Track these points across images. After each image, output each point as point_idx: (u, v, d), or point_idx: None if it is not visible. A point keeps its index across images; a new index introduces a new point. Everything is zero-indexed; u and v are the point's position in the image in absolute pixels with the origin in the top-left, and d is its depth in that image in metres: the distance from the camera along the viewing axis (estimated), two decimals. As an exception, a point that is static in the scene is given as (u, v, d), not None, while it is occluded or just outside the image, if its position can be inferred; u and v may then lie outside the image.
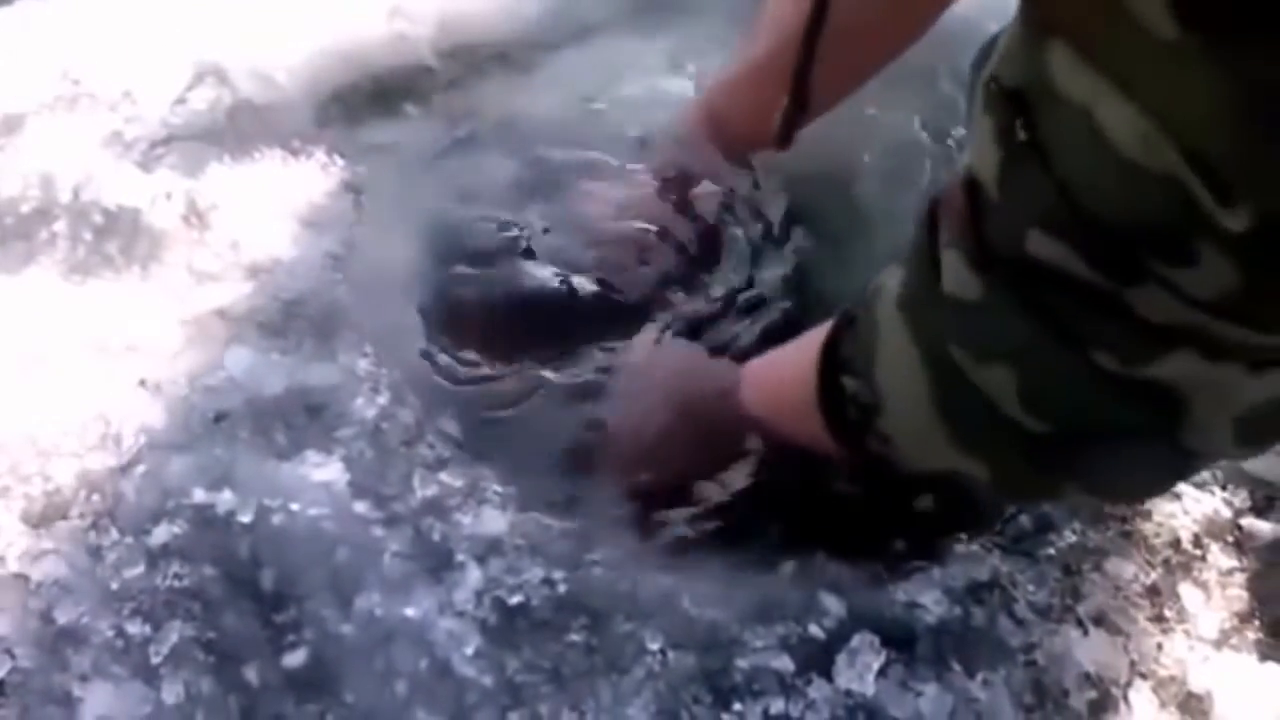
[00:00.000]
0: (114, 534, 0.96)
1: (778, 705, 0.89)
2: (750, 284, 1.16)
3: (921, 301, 0.78)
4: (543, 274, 1.16)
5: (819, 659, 0.91)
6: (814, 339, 0.93)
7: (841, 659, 0.91)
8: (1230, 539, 1.02)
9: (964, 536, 1.00)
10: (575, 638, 0.92)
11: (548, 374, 1.09)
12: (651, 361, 1.10)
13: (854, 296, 0.92)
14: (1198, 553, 1.01)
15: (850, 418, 0.88)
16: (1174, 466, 0.81)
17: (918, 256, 0.78)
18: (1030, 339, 0.71)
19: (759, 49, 1.15)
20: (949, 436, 0.80)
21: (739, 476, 1.02)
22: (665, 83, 1.32)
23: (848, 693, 0.90)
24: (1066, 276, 0.68)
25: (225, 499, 0.97)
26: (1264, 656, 0.96)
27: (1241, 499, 1.04)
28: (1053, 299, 0.70)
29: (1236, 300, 0.64)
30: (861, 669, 0.90)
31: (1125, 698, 0.92)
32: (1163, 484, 0.91)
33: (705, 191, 1.19)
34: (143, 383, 1.05)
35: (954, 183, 0.75)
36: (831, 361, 0.89)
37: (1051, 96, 0.64)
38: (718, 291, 1.16)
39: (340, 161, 1.26)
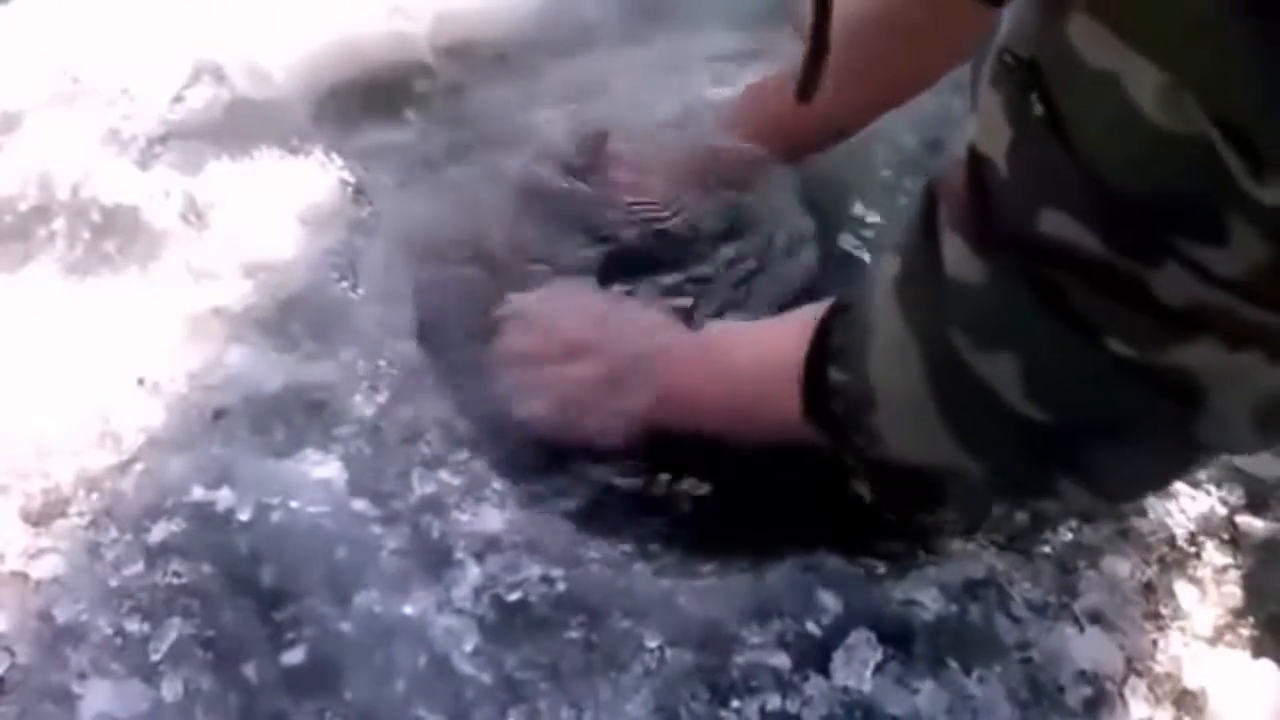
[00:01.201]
0: (113, 532, 0.96)
1: (775, 702, 0.89)
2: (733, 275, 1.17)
3: (920, 286, 0.76)
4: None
5: (816, 656, 0.91)
6: (791, 323, 0.91)
7: (838, 656, 0.91)
8: (1225, 536, 1.02)
9: (961, 534, 1.00)
10: (573, 635, 0.92)
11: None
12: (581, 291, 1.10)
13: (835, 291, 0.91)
14: (1192, 550, 1.02)
15: (836, 411, 0.86)
16: (1179, 460, 0.78)
17: (915, 239, 0.76)
18: (1038, 324, 0.69)
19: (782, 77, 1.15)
20: (943, 427, 0.78)
21: (735, 474, 1.03)
22: (662, 84, 1.32)
23: (845, 690, 0.90)
24: (1081, 258, 0.65)
25: (224, 496, 0.97)
26: (1258, 653, 0.96)
27: (1236, 497, 1.04)
28: (1064, 282, 0.67)
29: (1265, 280, 0.62)
30: (858, 666, 0.91)
31: (1120, 694, 0.92)
32: (1163, 480, 0.89)
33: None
34: (141, 381, 1.05)
35: (954, 163, 0.72)
36: (821, 351, 0.86)
37: (1072, 66, 0.62)
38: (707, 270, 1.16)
39: (338, 159, 1.26)
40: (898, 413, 0.82)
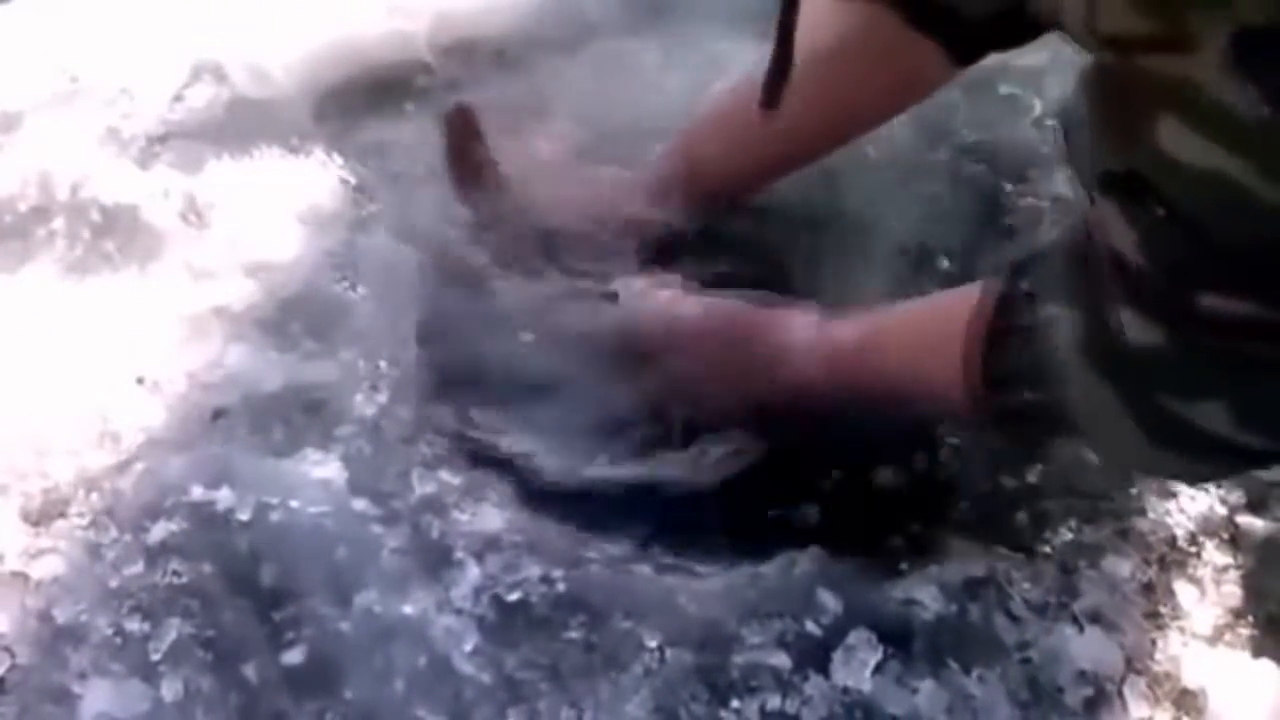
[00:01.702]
0: (112, 531, 0.96)
1: (774, 702, 0.89)
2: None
3: (1107, 351, 0.77)
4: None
5: (816, 656, 0.91)
6: (938, 318, 0.92)
7: (838, 656, 0.91)
8: (1225, 536, 1.02)
9: (961, 534, 1.00)
10: (573, 635, 0.92)
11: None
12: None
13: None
14: (1193, 550, 1.02)
15: (1026, 415, 0.87)
16: None
17: (1086, 300, 0.78)
18: (1233, 377, 0.71)
19: (727, 100, 1.15)
20: (1157, 452, 0.80)
21: (735, 474, 1.03)
22: (662, 82, 1.32)
23: (844, 689, 0.90)
24: (1248, 323, 0.68)
25: (224, 496, 0.97)
26: (1257, 653, 0.96)
27: (1236, 496, 1.04)
28: (1243, 345, 0.69)
29: None
30: (858, 666, 0.91)
31: (1120, 694, 0.92)
32: None
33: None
34: (141, 380, 1.05)
35: (1097, 229, 0.74)
36: (994, 364, 0.87)
37: (1176, 170, 0.65)
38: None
39: (338, 158, 1.26)
40: (1108, 441, 0.85)
